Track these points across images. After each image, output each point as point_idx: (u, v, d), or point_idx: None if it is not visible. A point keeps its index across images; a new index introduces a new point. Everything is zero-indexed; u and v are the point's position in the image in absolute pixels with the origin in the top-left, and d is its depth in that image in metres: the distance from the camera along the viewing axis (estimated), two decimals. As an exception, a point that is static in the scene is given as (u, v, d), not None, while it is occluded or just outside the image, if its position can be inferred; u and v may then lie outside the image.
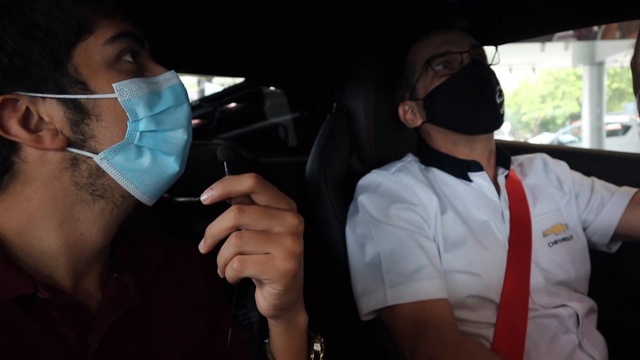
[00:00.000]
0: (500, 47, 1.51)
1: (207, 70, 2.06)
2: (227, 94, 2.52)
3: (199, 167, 0.87)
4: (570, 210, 1.38)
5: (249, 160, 1.68)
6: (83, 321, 0.67)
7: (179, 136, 0.71)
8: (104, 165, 0.67)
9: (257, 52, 1.65)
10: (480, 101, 1.26)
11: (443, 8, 1.53)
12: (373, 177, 1.35)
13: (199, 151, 1.26)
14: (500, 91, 1.28)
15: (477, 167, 1.32)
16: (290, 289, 0.62)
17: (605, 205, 1.36)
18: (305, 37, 1.62)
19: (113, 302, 0.72)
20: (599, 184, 1.42)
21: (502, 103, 1.28)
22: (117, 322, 0.70)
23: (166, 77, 0.72)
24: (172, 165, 0.71)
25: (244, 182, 0.59)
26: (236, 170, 0.63)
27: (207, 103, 2.51)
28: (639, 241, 1.35)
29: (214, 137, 2.30)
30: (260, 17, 1.41)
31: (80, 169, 0.67)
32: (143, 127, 0.68)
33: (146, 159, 0.69)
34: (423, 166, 1.38)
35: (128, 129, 0.67)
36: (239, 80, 2.49)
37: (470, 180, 1.32)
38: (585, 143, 13.03)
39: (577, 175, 1.45)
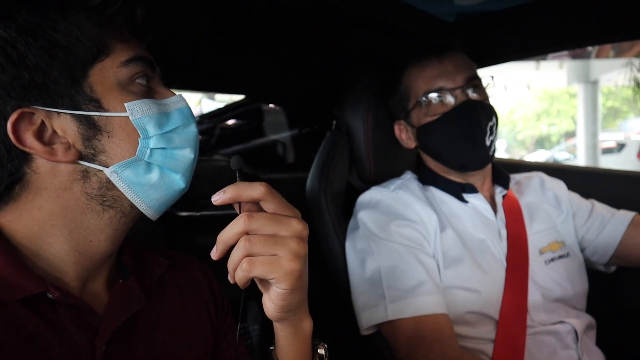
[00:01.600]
0: (495, 65, 1.54)
1: (207, 87, 2.09)
2: (227, 110, 2.54)
3: (200, 182, 0.89)
4: (567, 228, 1.39)
5: (249, 175, 1.70)
6: (90, 324, 0.69)
7: (187, 155, 0.74)
8: (113, 179, 0.69)
9: (257, 69, 1.68)
10: (470, 144, 1.26)
11: (440, 29, 1.56)
12: (373, 194, 1.37)
13: (200, 167, 1.27)
14: (492, 128, 1.28)
15: (472, 189, 1.34)
16: (295, 289, 0.66)
17: (607, 226, 1.37)
18: (305, 55, 1.65)
19: (119, 306, 0.74)
20: (599, 205, 1.43)
21: (493, 142, 1.28)
22: (122, 326, 0.72)
23: (174, 100, 0.76)
24: (178, 182, 0.74)
25: (255, 189, 0.64)
26: (247, 180, 0.67)
27: (208, 119, 2.53)
28: (633, 266, 1.36)
29: (214, 153, 2.32)
30: (260, 35, 1.44)
31: (91, 181, 0.70)
32: (153, 144, 0.71)
33: (154, 175, 0.72)
34: (421, 184, 1.40)
35: (139, 145, 0.70)
36: (239, 97, 2.52)
37: (465, 202, 1.33)
38: (581, 160, 13.09)
39: (575, 196, 1.47)
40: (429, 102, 1.30)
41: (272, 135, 2.54)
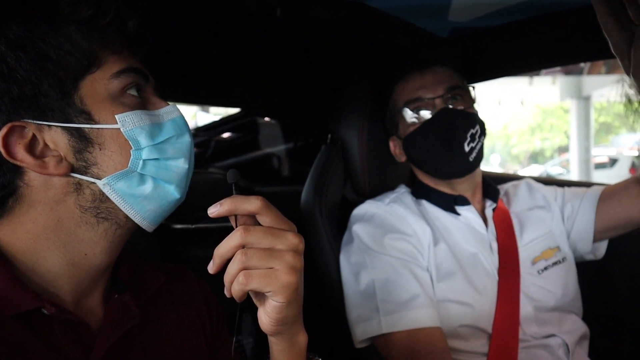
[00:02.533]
0: (489, 81, 1.56)
1: (203, 100, 2.10)
2: (223, 123, 2.56)
3: (195, 195, 0.89)
4: (560, 229, 1.40)
5: (244, 188, 1.70)
6: (85, 339, 0.69)
7: (180, 165, 0.74)
8: (106, 191, 0.70)
9: (253, 83, 1.70)
10: (447, 150, 1.28)
11: (434, 44, 1.58)
12: (367, 207, 1.38)
13: (195, 180, 1.28)
14: (475, 135, 1.29)
15: (464, 201, 1.35)
16: (291, 302, 0.66)
17: (578, 212, 1.38)
18: (300, 69, 1.67)
19: (114, 322, 0.73)
20: (569, 192, 1.44)
21: (473, 149, 1.28)
22: (118, 342, 0.72)
23: (167, 110, 0.76)
24: (172, 193, 0.74)
25: (252, 203, 0.64)
26: (243, 193, 0.67)
27: (203, 132, 2.54)
28: (620, 234, 1.36)
29: (210, 166, 2.32)
30: (256, 48, 1.45)
31: (85, 194, 0.70)
32: (146, 155, 0.71)
33: (148, 186, 0.72)
34: (415, 198, 1.41)
35: (132, 157, 0.70)
36: (234, 110, 2.54)
37: (458, 214, 1.34)
38: (574, 175, 13.18)
39: (551, 190, 1.47)
40: (410, 112, 1.34)
41: (268, 148, 2.56)
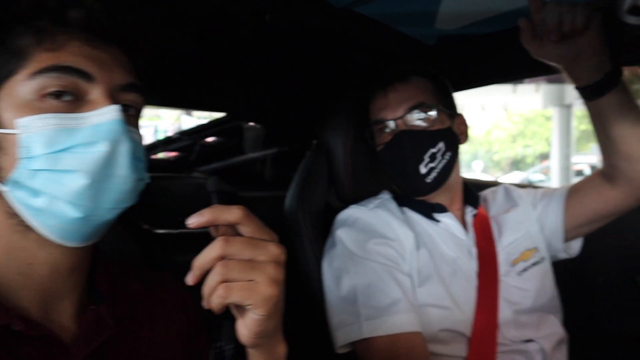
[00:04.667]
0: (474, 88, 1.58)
1: (188, 105, 2.09)
2: (207, 128, 2.55)
3: (178, 199, 0.88)
4: (536, 229, 1.41)
5: (228, 193, 1.69)
6: (57, 355, 0.67)
7: (75, 180, 0.65)
8: (9, 199, 0.67)
9: (238, 87, 1.69)
10: (403, 173, 1.31)
11: (420, 51, 1.60)
12: (351, 212, 1.39)
13: (178, 184, 1.27)
14: (435, 155, 1.28)
15: (441, 208, 1.37)
16: (272, 315, 0.64)
17: (548, 211, 1.39)
18: (286, 74, 1.67)
19: (88, 335, 0.72)
20: (540, 192, 1.46)
21: (432, 169, 1.28)
22: (92, 354, 0.70)
23: (97, 113, 0.67)
24: (67, 212, 0.66)
25: (232, 213, 0.62)
26: (224, 202, 0.66)
27: (187, 136, 2.53)
28: (592, 229, 1.37)
29: (193, 170, 2.32)
30: (242, 53, 1.46)
31: (4, 200, 0.67)
32: (37, 165, 0.65)
33: (40, 200, 0.66)
34: (398, 204, 1.42)
35: (21, 166, 0.65)
36: (218, 114, 2.53)
37: (437, 221, 1.36)
38: (555, 182, 13.34)
39: (526, 191, 1.49)
40: (376, 132, 1.38)
41: (252, 153, 2.55)
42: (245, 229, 0.63)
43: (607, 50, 1.05)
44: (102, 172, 0.66)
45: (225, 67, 1.51)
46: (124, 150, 0.67)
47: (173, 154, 2.66)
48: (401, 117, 1.31)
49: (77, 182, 0.65)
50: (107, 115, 0.67)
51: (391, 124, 1.33)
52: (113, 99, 0.69)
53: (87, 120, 0.67)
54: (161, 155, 2.70)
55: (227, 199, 0.69)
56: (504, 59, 1.56)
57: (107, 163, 0.66)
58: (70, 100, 0.67)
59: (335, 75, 1.66)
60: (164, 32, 1.25)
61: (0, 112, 0.66)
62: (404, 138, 1.30)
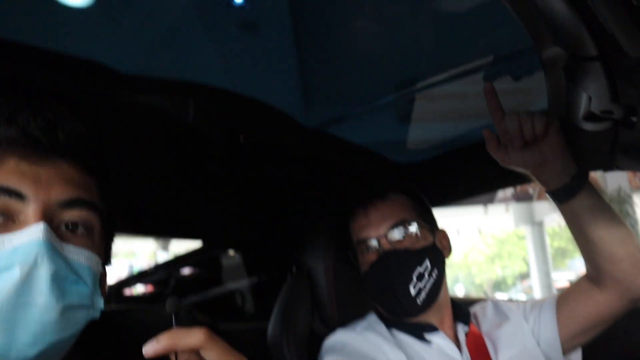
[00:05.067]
0: (447, 211, 1.60)
1: (162, 232, 2.06)
2: (183, 259, 2.50)
3: (150, 332, 0.82)
4: (532, 343, 1.33)
5: (208, 326, 1.61)
6: None
7: None
8: None
9: (214, 213, 1.69)
10: (393, 296, 1.27)
11: (394, 171, 1.64)
12: (339, 337, 1.31)
13: (150, 316, 1.21)
14: (423, 273, 1.27)
15: (432, 328, 1.31)
16: None
17: (540, 325, 1.32)
18: (261, 198, 1.68)
19: None
20: (529, 304, 1.40)
21: (421, 290, 1.26)
22: None
23: (19, 234, 0.63)
24: None
25: (193, 336, 0.56)
26: (185, 324, 0.60)
27: (163, 269, 2.47)
28: (589, 338, 1.30)
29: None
30: (217, 178, 1.46)
31: None
32: None
33: None
34: (386, 326, 1.35)
35: None
36: (194, 247, 2.50)
37: (429, 342, 1.29)
38: (538, 301, 13.19)
39: (514, 304, 1.44)
40: (359, 252, 1.35)
41: (231, 283, 2.48)
42: (209, 354, 0.57)
43: (569, 154, 1.09)
44: (14, 300, 0.59)
45: (200, 191, 1.51)
46: (44, 274, 0.61)
47: (148, 288, 2.57)
48: (384, 235, 1.30)
49: None
50: (27, 235, 0.62)
51: (374, 243, 1.31)
52: (48, 217, 0.65)
53: (8, 242, 0.62)
54: (136, 290, 2.61)
55: (190, 323, 0.63)
56: (476, 172, 1.60)
57: (21, 290, 0.59)
58: (1, 222, 0.63)
59: (312, 196, 1.67)
60: (133, 154, 1.25)
61: None
62: (390, 258, 1.27)
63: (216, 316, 2.04)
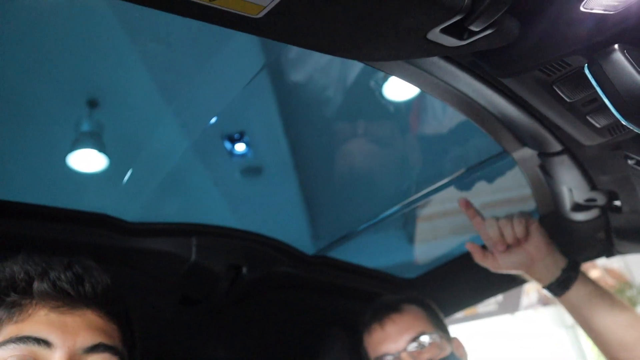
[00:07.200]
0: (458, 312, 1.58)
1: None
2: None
3: None
4: None
5: None
6: None
7: None
8: None
9: (228, 347, 1.67)
10: None
11: (403, 286, 1.65)
12: None
13: None
14: None
15: None
16: None
17: None
18: (275, 325, 1.67)
19: None
20: None
21: None
22: None
23: None
24: None
25: None
26: None
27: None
28: None
29: None
30: (228, 309, 1.47)
31: None
32: None
33: None
34: None
35: None
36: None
37: None
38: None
39: None
40: None
41: None
42: None
43: (555, 249, 1.13)
44: None
45: (209, 328, 1.51)
46: None
47: None
48: (404, 350, 1.28)
49: None
50: None
51: (394, 357, 1.28)
52: None
53: None
54: None
55: None
56: (476, 278, 1.61)
57: None
58: None
59: (323, 320, 1.66)
60: (149, 297, 1.29)
61: None
62: None
63: None
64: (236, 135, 1.41)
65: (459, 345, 1.39)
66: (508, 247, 1.11)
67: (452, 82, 0.79)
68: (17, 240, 1.04)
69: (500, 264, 1.12)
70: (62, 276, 0.75)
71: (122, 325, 0.82)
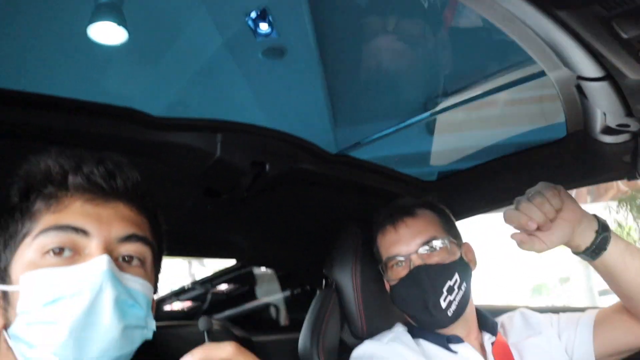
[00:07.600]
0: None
1: (198, 253, 2.15)
2: (219, 276, 2.57)
3: (187, 347, 0.89)
4: (563, 357, 1.35)
5: (241, 339, 1.68)
6: None
7: (57, 330, 0.68)
8: (13, 350, 0.72)
9: (247, 236, 1.75)
10: (424, 308, 1.30)
11: (422, 188, 1.68)
12: (366, 348, 1.36)
13: (188, 331, 1.28)
14: (453, 287, 1.29)
15: (457, 339, 1.34)
16: None
17: (575, 341, 1.33)
18: (292, 219, 1.74)
19: None
20: (564, 320, 1.40)
21: (451, 302, 1.29)
22: None
23: (85, 265, 0.72)
24: None
25: (224, 349, 0.64)
26: (218, 338, 0.67)
27: (200, 285, 2.55)
28: (623, 357, 1.32)
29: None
30: (250, 204, 1.53)
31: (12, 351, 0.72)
32: (30, 319, 0.70)
33: (35, 352, 0.69)
34: (412, 337, 1.39)
35: (18, 319, 0.71)
36: (230, 262, 2.57)
37: (454, 352, 1.33)
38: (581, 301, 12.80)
39: (546, 317, 1.45)
40: (389, 267, 1.38)
41: (265, 297, 2.55)
42: None
43: (586, 212, 1.11)
44: (83, 321, 0.68)
45: (230, 218, 1.57)
46: (108, 298, 0.70)
47: (187, 303, 2.66)
48: (415, 252, 1.33)
49: (59, 332, 0.68)
50: (93, 266, 0.72)
51: (405, 258, 1.34)
52: (109, 251, 0.75)
53: (77, 272, 0.71)
54: (176, 305, 2.70)
55: (221, 339, 0.70)
56: (498, 186, 1.63)
57: (89, 312, 0.69)
58: (70, 255, 0.73)
59: (341, 216, 1.72)
60: (170, 187, 1.34)
61: (12, 272, 0.73)
62: (421, 273, 1.30)
63: (252, 329, 2.10)
64: (258, 12, 1.36)
65: (469, 250, 1.44)
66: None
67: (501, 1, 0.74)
68: (46, 132, 1.06)
69: (547, 243, 1.07)
70: (95, 170, 0.78)
71: (151, 219, 0.85)
